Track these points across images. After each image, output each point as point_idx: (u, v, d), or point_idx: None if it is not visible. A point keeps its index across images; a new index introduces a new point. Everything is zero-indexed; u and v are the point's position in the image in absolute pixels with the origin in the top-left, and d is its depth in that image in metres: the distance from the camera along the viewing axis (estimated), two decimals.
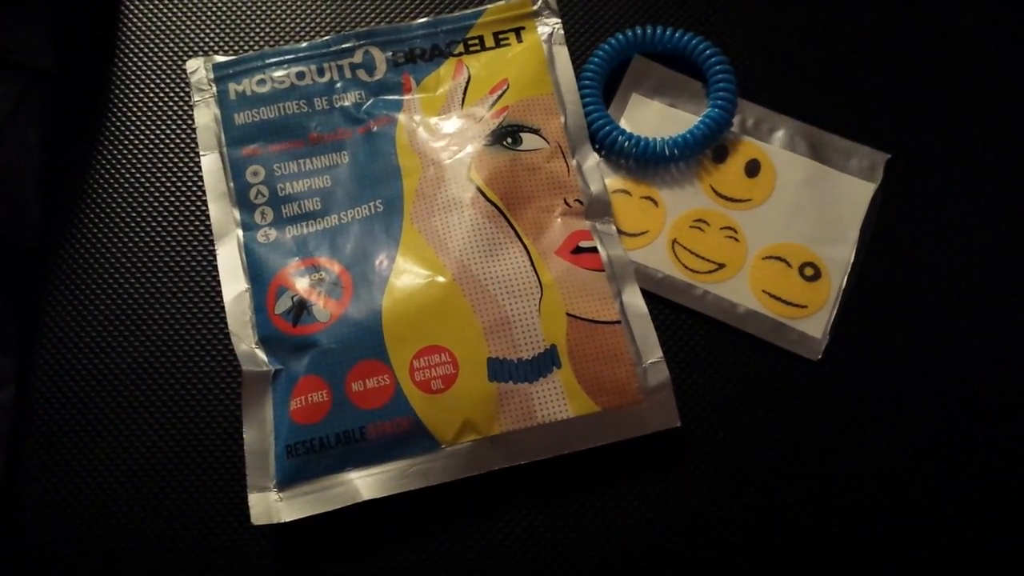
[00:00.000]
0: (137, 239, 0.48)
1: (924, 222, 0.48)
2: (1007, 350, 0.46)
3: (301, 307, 0.44)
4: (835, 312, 0.47)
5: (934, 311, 0.47)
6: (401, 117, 0.48)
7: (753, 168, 0.49)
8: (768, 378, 0.46)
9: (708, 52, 0.50)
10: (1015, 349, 0.46)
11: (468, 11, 0.50)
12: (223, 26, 0.52)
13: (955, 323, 0.46)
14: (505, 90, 0.48)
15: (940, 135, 0.50)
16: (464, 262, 0.44)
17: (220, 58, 0.50)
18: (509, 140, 0.47)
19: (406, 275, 0.44)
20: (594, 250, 0.45)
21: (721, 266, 0.47)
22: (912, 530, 0.43)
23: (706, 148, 0.49)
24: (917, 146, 0.49)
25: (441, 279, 0.44)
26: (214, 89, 0.49)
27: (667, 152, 0.48)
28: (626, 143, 0.48)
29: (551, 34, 0.50)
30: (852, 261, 0.47)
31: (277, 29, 0.52)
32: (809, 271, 0.47)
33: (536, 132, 0.47)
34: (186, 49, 0.51)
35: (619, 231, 0.47)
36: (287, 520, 0.41)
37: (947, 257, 0.47)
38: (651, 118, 0.50)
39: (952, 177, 0.49)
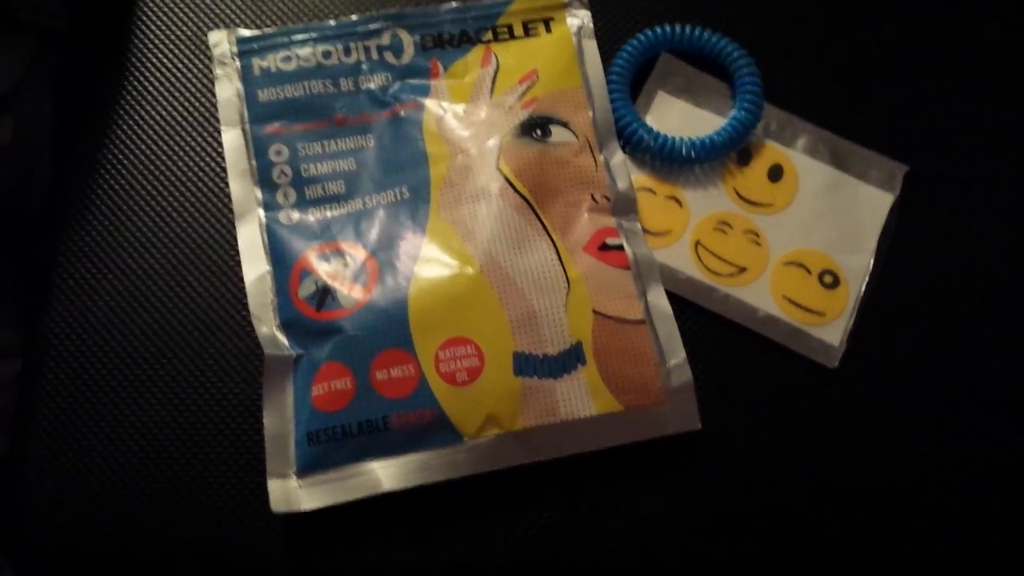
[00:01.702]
0: (153, 213, 0.47)
1: (941, 234, 0.49)
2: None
3: (325, 292, 0.43)
4: (852, 320, 0.47)
5: (949, 323, 0.47)
6: (428, 103, 0.47)
7: (776, 173, 0.49)
8: (787, 384, 0.46)
9: (736, 55, 0.50)
10: None
11: None
12: None
13: (970, 335, 0.47)
14: (535, 81, 0.48)
15: (958, 148, 0.50)
16: (492, 254, 0.44)
17: (244, 32, 0.48)
18: (538, 132, 0.46)
19: (433, 264, 0.44)
20: (620, 248, 0.45)
21: (743, 269, 0.47)
22: (927, 537, 0.44)
23: (729, 152, 0.49)
24: (936, 159, 0.50)
25: (469, 270, 0.43)
26: (237, 64, 0.48)
27: (689, 153, 0.48)
28: (652, 142, 0.48)
29: (580, 27, 0.50)
30: (870, 270, 0.48)
31: (301, 4, 0.51)
32: (828, 278, 0.47)
33: (565, 125, 0.47)
34: (206, 18, 0.50)
35: (643, 229, 0.47)
36: (307, 509, 0.41)
37: (963, 269, 0.48)
38: (676, 117, 0.50)
39: (969, 190, 0.49)
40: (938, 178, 0.50)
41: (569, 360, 0.43)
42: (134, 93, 0.49)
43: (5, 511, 0.43)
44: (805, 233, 0.48)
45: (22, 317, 0.47)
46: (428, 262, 0.44)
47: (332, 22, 0.49)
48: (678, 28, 0.50)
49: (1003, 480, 0.45)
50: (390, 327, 0.42)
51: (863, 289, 0.48)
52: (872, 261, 0.48)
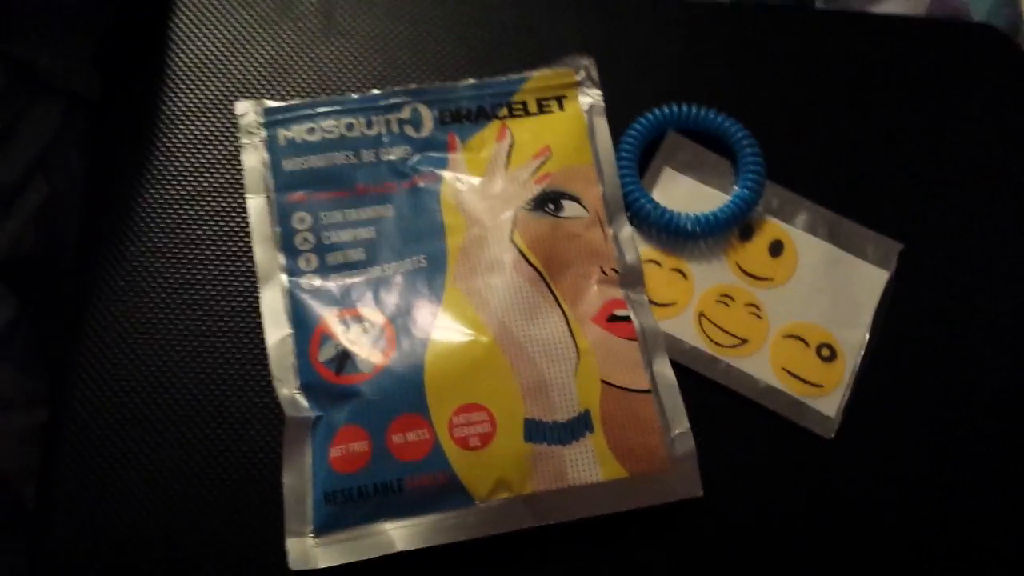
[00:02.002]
0: (178, 274, 0.49)
1: (934, 310, 0.51)
2: (1013, 441, 0.49)
3: (345, 357, 0.45)
4: (848, 393, 0.49)
5: (942, 397, 0.49)
6: (446, 175, 0.50)
7: (777, 248, 0.51)
8: (785, 453, 0.48)
9: (740, 134, 0.52)
10: (1020, 438, 0.49)
11: (514, 76, 0.52)
12: (271, 69, 0.53)
13: (962, 409, 0.49)
14: (548, 157, 0.50)
15: (951, 228, 0.53)
16: (505, 323, 0.46)
17: (271, 103, 0.51)
18: (551, 206, 0.49)
19: (448, 332, 0.45)
20: (627, 319, 0.47)
21: (744, 341, 0.49)
22: None
23: (731, 227, 0.51)
24: (929, 237, 0.52)
25: (482, 339, 0.45)
26: (263, 133, 0.50)
27: (692, 228, 0.50)
28: (658, 217, 0.50)
29: (592, 105, 0.52)
30: (865, 344, 0.50)
31: (324, 78, 0.53)
32: (826, 352, 0.49)
33: (577, 200, 0.49)
34: (233, 88, 0.52)
35: (649, 300, 0.49)
36: (324, 567, 0.42)
37: (955, 344, 0.50)
38: (682, 192, 0.52)
39: (961, 268, 0.52)
40: (931, 256, 0.52)
41: (577, 428, 0.45)
42: (162, 158, 0.51)
43: (30, 561, 0.45)
44: (804, 307, 0.50)
45: (48, 369, 0.49)
46: (444, 330, 0.46)
47: (355, 96, 0.51)
48: (685, 107, 0.52)
49: (998, 550, 0.47)
50: (406, 392, 0.44)
51: (859, 362, 0.49)
52: (868, 335, 0.50)
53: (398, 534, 0.43)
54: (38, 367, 0.50)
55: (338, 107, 0.51)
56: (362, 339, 0.46)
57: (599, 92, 0.52)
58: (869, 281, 0.51)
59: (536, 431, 0.44)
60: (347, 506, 0.43)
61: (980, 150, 0.55)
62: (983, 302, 0.51)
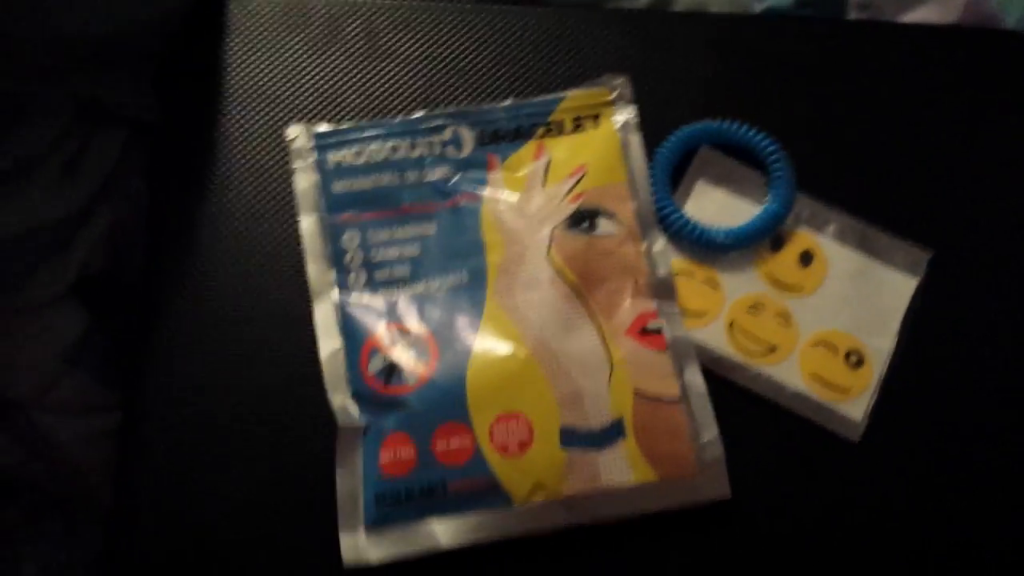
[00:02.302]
0: (234, 290, 0.52)
1: (962, 317, 0.52)
2: None
3: (392, 369, 0.48)
4: (875, 398, 0.51)
5: (967, 402, 0.51)
6: (486, 194, 0.52)
7: (807, 258, 0.53)
8: (812, 455, 0.50)
9: (770, 148, 0.54)
10: None
11: (550, 96, 0.55)
12: (319, 92, 0.56)
13: (987, 415, 0.51)
14: (583, 176, 0.52)
15: (979, 236, 0.54)
16: (542, 338, 0.48)
17: (320, 127, 0.54)
18: (586, 224, 0.51)
19: (488, 346, 0.48)
20: (659, 331, 0.50)
21: (773, 349, 0.51)
22: None
23: (762, 239, 0.53)
24: (958, 246, 0.54)
25: (521, 352, 0.48)
26: (314, 157, 0.53)
27: (723, 241, 0.52)
28: (690, 231, 0.52)
29: (626, 122, 0.54)
30: (893, 351, 0.52)
31: (370, 99, 0.56)
32: (854, 358, 0.51)
33: (611, 217, 0.51)
34: (282, 112, 0.55)
35: (681, 310, 0.51)
36: (375, 561, 0.46)
37: (982, 351, 0.52)
38: (714, 205, 0.54)
39: (990, 276, 0.53)
40: (961, 264, 0.53)
41: (611, 434, 0.47)
42: (218, 179, 0.54)
43: (107, 548, 0.49)
44: (833, 315, 0.52)
45: (121, 376, 0.53)
46: (484, 344, 0.48)
47: (398, 119, 0.54)
48: (716, 123, 0.55)
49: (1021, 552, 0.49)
50: (449, 402, 0.47)
51: (886, 368, 0.51)
52: (895, 342, 0.52)
53: (442, 532, 0.46)
54: (112, 374, 0.54)
55: (383, 130, 0.54)
56: (408, 352, 0.49)
57: (633, 109, 0.55)
58: (898, 289, 0.53)
59: (572, 437, 0.47)
60: (396, 506, 0.46)
61: (1011, 158, 0.56)
62: (1011, 309, 0.53)
